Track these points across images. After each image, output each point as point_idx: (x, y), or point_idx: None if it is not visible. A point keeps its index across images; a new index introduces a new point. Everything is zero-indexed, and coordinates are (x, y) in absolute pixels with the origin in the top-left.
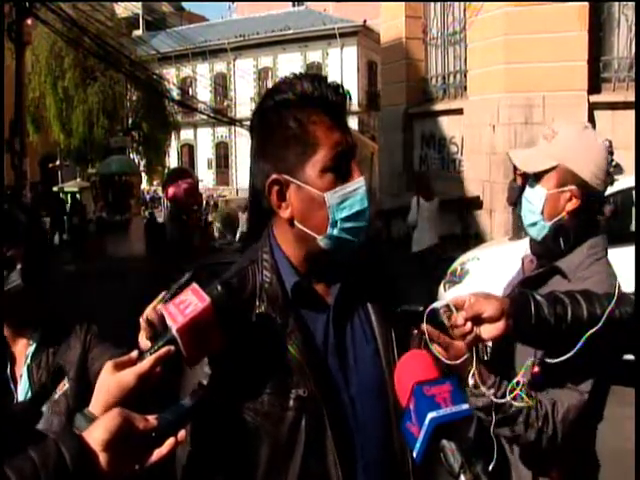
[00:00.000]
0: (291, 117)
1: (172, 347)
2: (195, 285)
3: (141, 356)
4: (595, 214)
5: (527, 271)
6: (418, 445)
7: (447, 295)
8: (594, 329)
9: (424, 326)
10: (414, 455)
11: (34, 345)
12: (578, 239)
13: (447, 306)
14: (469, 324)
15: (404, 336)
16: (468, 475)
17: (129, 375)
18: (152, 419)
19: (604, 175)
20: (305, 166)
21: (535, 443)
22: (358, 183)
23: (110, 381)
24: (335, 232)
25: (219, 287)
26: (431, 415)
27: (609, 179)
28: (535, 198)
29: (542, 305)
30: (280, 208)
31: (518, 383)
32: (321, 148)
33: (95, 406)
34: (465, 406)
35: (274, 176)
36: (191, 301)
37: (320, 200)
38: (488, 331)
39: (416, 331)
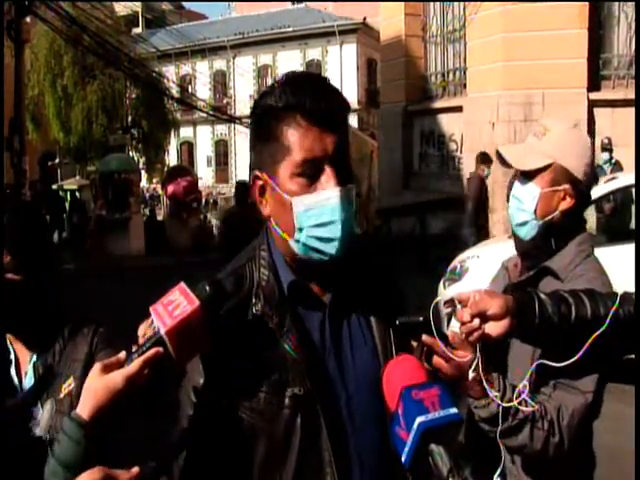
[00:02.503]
0: (272, 117)
1: (160, 349)
2: (183, 284)
3: (129, 358)
4: (583, 211)
5: (513, 277)
6: (407, 449)
7: (447, 293)
8: (599, 331)
9: (425, 337)
10: (402, 459)
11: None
12: (567, 237)
13: (451, 300)
14: (477, 320)
15: (404, 346)
16: (457, 479)
17: (117, 377)
18: (134, 469)
19: (592, 172)
20: (278, 168)
21: (542, 452)
22: (329, 193)
23: (98, 383)
24: (302, 238)
25: (207, 287)
26: (420, 419)
27: (595, 177)
28: (527, 197)
29: (546, 304)
30: (261, 204)
31: (524, 388)
32: (292, 152)
33: (83, 408)
34: (453, 410)
35: (256, 172)
36: (179, 302)
37: (288, 204)
38: (492, 329)
39: (416, 343)
